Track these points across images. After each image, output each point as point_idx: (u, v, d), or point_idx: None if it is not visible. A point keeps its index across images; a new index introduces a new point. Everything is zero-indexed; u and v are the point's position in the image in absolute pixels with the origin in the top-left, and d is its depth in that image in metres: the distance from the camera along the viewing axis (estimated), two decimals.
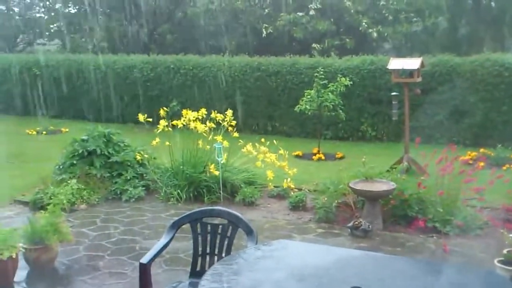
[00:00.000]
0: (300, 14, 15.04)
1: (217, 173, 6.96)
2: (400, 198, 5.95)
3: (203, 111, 7.44)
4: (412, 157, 7.89)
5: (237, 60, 12.65)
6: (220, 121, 7.45)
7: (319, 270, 2.65)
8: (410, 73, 8.06)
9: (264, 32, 15.03)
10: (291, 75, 11.77)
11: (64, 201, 5.47)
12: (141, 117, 7.70)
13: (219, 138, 7.19)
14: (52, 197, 5.65)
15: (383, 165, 7.28)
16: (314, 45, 14.63)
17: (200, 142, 7.30)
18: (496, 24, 15.97)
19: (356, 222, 5.53)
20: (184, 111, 7.53)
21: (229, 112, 7.50)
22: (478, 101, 10.19)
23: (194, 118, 7.39)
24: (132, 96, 13.49)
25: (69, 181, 6.65)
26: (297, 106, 9.80)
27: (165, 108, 7.76)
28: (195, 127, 7.33)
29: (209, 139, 7.27)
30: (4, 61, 15.81)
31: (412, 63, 8.18)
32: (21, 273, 4.66)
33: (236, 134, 7.40)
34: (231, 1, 15.99)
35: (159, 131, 7.41)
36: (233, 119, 7.49)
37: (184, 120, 7.43)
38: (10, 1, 19.16)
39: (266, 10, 15.89)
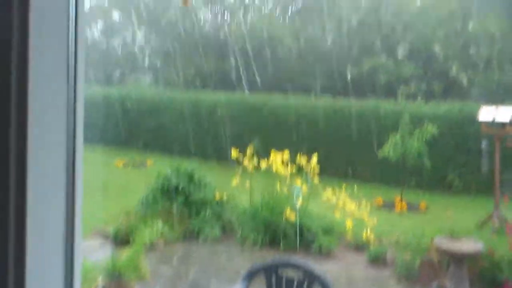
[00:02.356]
0: (385, 57, 14.86)
1: (294, 218, 6.88)
2: (490, 260, 5.57)
3: (287, 153, 7.45)
4: (503, 214, 7.42)
5: (321, 102, 12.64)
6: (303, 166, 7.41)
7: None
8: (502, 124, 7.67)
9: (349, 75, 14.96)
10: (374, 119, 11.56)
11: (147, 240, 5.60)
12: (234, 153, 7.77)
13: (298, 182, 7.13)
14: (134, 232, 5.81)
15: (471, 220, 6.90)
16: (400, 88, 14.34)
17: (280, 184, 7.28)
18: None
19: (440, 284, 5.23)
20: (272, 154, 7.55)
21: (315, 157, 7.45)
22: None
23: (279, 161, 7.40)
24: (215, 133, 13.79)
25: (153, 220, 6.81)
26: (380, 151, 9.58)
27: (252, 148, 7.83)
28: (277, 170, 7.33)
29: (289, 182, 7.23)
30: (100, 93, 16.74)
31: (504, 114, 7.79)
32: None
33: (316, 180, 7.32)
34: (318, 43, 16.10)
35: (240, 170, 7.47)
36: (315, 164, 7.44)
37: (269, 162, 7.46)
38: (110, 36, 20.41)
39: (353, 52, 15.84)
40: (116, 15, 19.43)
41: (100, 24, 20.80)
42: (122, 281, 4.92)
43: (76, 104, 1.02)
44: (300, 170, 7.41)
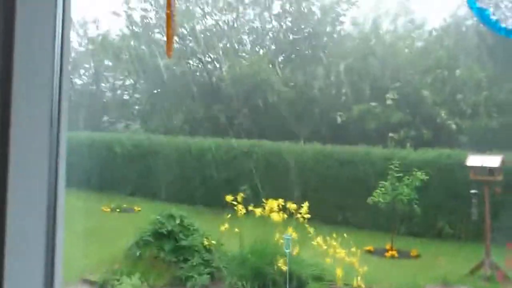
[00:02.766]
0: (374, 104, 15.02)
1: (284, 268, 6.78)
2: None
3: (281, 201, 7.43)
4: (494, 261, 7.36)
5: (310, 148, 12.69)
6: (294, 212, 7.38)
7: None
8: (490, 170, 7.72)
9: (339, 120, 15.09)
10: (364, 165, 11.60)
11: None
12: (228, 198, 7.72)
13: (290, 229, 7.07)
14: (120, 280, 5.69)
15: (462, 267, 6.83)
16: (390, 134, 14.42)
17: (270, 231, 7.21)
18: None
19: None
20: (269, 202, 7.52)
21: (306, 205, 7.43)
22: None
23: (273, 208, 7.37)
24: (203, 178, 13.72)
25: (140, 266, 6.70)
26: (370, 198, 9.56)
27: (242, 194, 7.81)
28: (267, 216, 7.30)
29: (280, 229, 7.17)
30: (88, 139, 16.72)
31: (492, 160, 7.85)
32: None
33: (307, 227, 7.28)
34: (308, 89, 16.29)
35: (229, 216, 7.42)
36: (306, 211, 7.42)
37: (259, 208, 7.43)
38: (99, 81, 20.58)
39: (342, 98, 16.01)
40: (106, 60, 19.63)
41: (89, 69, 21.01)
42: None
43: (59, 149, 1.01)
44: (290, 216, 7.37)
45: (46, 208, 0.99)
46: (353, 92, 16.08)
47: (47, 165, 0.98)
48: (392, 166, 9.56)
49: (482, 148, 13.95)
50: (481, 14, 1.54)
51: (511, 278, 6.51)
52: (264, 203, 7.57)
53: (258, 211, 7.45)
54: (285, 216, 7.26)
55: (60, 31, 1.05)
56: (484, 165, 7.73)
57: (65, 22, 1.08)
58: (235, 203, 7.57)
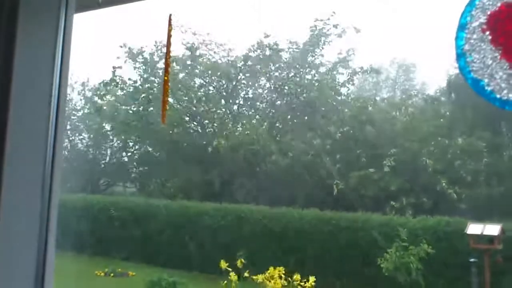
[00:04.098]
0: (372, 170, 15.04)
1: None
2: None
3: (281, 269, 7.33)
4: None
5: (308, 213, 12.60)
6: (293, 281, 7.28)
7: None
8: (490, 239, 7.65)
9: (335, 189, 15.06)
10: (362, 232, 11.48)
11: None
12: (223, 265, 7.58)
13: None
14: None
15: None
16: (392, 203, 14.35)
17: None
18: None
19: None
20: (272, 270, 7.42)
21: (312, 279, 7.33)
22: None
23: (273, 276, 7.26)
24: (200, 243, 13.53)
25: None
26: (381, 262, 9.40)
27: (242, 260, 7.69)
28: (263, 284, 7.16)
29: None
30: (85, 201, 16.63)
31: (492, 229, 7.80)
32: None
33: None
34: (305, 156, 16.37)
35: (225, 282, 7.28)
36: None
37: (255, 275, 7.31)
38: (97, 144, 20.73)
39: (337, 166, 16.06)
40: (104, 125, 19.83)
41: (87, 132, 21.19)
42: None
43: (50, 214, 0.99)
44: (289, 284, 7.25)
45: (34, 274, 0.97)
46: (350, 160, 16.17)
47: (37, 228, 0.96)
48: (397, 235, 9.48)
49: (482, 216, 13.92)
50: (476, 85, 1.57)
51: None
52: (261, 270, 7.45)
53: (257, 277, 7.32)
54: (285, 284, 7.13)
55: (57, 92, 1.06)
56: (484, 233, 7.66)
57: (62, 83, 1.10)
58: (230, 269, 7.43)
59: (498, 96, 1.56)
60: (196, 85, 18.66)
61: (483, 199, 14.85)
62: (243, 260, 7.79)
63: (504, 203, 15.02)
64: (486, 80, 1.55)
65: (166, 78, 1.81)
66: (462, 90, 15.51)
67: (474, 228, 7.98)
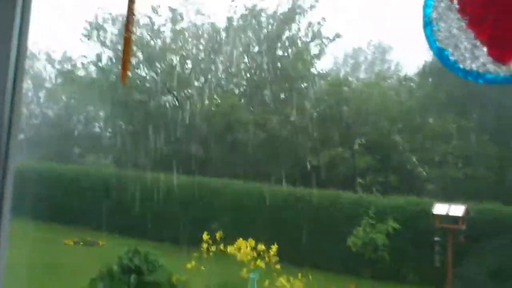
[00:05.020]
0: (341, 149, 15.22)
1: None
2: None
3: (251, 242, 7.43)
4: None
5: (281, 190, 12.74)
6: (262, 252, 7.39)
7: None
8: (455, 219, 7.90)
9: (308, 166, 15.23)
10: (333, 208, 11.70)
11: None
12: (205, 236, 7.61)
13: (256, 268, 7.05)
14: None
15: None
16: (359, 180, 14.59)
17: (237, 270, 7.18)
18: None
19: None
20: (239, 241, 7.50)
21: (274, 247, 7.45)
22: None
23: (241, 248, 7.35)
24: (172, 215, 13.57)
25: None
26: (350, 240, 9.60)
27: (220, 233, 7.76)
28: (235, 255, 7.28)
29: (247, 268, 7.13)
30: (56, 171, 16.48)
31: (457, 209, 8.04)
32: None
33: (274, 267, 7.27)
34: (280, 131, 16.45)
35: (197, 253, 7.39)
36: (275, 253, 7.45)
37: (228, 247, 7.41)
38: (70, 114, 20.48)
39: (312, 143, 16.20)
40: (77, 93, 19.56)
41: (60, 102, 20.89)
42: None
43: (5, 180, 1.02)
44: (259, 256, 7.36)
45: None
46: (323, 138, 16.31)
47: None
48: (365, 213, 9.67)
49: (449, 197, 14.27)
50: (440, 54, 1.62)
51: None
52: (233, 243, 7.55)
53: (226, 250, 7.43)
54: (254, 256, 7.24)
55: (14, 61, 1.09)
56: (449, 213, 7.90)
57: (21, 51, 1.11)
58: (211, 241, 7.53)
59: (461, 66, 1.60)
60: (172, 55, 18.47)
61: (450, 180, 15.23)
62: (221, 233, 7.82)
63: (470, 185, 15.43)
64: (450, 50, 1.59)
65: (126, 35, 1.63)
66: (437, 73, 15.73)
67: (440, 208, 8.21)
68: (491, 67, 1.56)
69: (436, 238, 8.28)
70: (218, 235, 7.59)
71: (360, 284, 9.55)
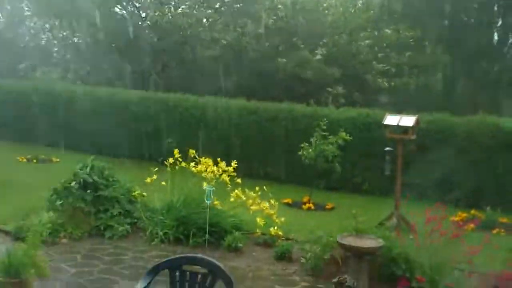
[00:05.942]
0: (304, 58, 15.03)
1: (205, 216, 6.88)
2: (388, 256, 5.84)
3: (210, 161, 7.51)
4: (402, 214, 7.82)
5: (235, 103, 12.70)
6: (219, 166, 7.49)
7: None
8: (405, 129, 8.09)
9: (264, 78, 15.08)
10: (287, 121, 11.82)
11: (44, 233, 5.35)
12: (176, 153, 7.56)
13: (212, 181, 7.18)
14: (31, 227, 5.55)
15: (374, 219, 7.22)
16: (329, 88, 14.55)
17: (194, 183, 7.31)
18: (493, 88, 16.27)
19: (341, 278, 5.41)
20: (204, 160, 7.53)
21: (234, 163, 7.53)
22: (472, 161, 10.18)
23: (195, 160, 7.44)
24: (127, 131, 13.40)
25: (56, 216, 6.57)
26: (301, 152, 9.76)
27: (193, 151, 7.76)
28: (192, 169, 7.37)
29: (203, 181, 7.25)
30: (3, 86, 15.86)
31: (408, 120, 8.20)
32: None
33: (229, 179, 7.42)
34: (236, 44, 16.11)
35: (154, 168, 7.44)
36: (229, 165, 7.56)
37: (184, 161, 7.47)
38: (16, 28, 19.42)
39: (269, 55, 15.96)
40: (24, 5, 18.46)
41: (5, 13, 19.72)
42: (20, 278, 4.67)
43: None
44: (216, 170, 7.46)
45: None
46: (281, 49, 16.13)
47: None
48: (317, 124, 9.78)
49: (400, 108, 14.57)
50: None
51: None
52: (191, 157, 7.63)
53: (184, 165, 7.49)
54: (210, 169, 7.35)
55: None
56: (400, 123, 8.07)
57: None
58: (197, 157, 7.61)
59: None
60: None
61: (404, 91, 15.51)
62: (194, 152, 7.82)
63: (422, 95, 15.80)
64: None
65: None
66: None
67: (391, 119, 8.34)
68: None
69: (387, 148, 8.49)
70: (176, 152, 7.59)
71: (313, 194, 9.87)
